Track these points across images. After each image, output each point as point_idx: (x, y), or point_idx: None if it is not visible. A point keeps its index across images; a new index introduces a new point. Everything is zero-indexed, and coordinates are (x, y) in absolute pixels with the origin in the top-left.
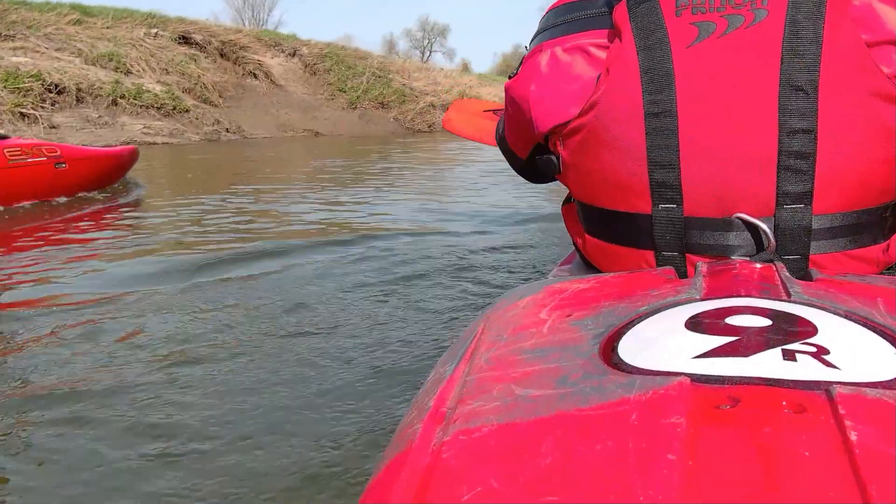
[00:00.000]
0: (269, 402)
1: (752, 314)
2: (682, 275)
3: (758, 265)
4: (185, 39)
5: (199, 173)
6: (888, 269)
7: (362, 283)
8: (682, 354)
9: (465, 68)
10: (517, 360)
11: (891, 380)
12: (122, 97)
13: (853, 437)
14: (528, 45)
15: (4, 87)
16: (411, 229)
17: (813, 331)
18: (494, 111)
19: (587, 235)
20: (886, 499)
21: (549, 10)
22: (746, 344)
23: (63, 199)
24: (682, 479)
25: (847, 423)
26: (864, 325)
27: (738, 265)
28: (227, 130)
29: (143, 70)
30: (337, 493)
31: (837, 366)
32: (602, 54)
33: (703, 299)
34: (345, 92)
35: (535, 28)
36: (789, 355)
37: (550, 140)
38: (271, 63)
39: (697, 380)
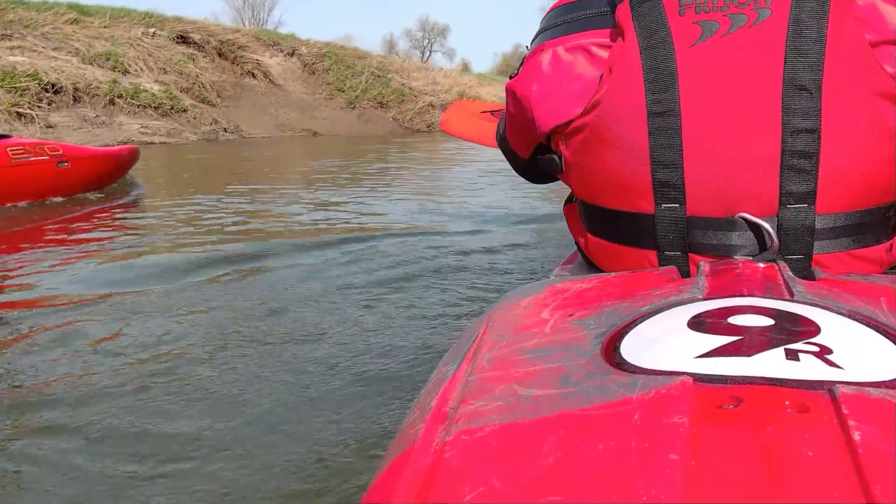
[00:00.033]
0: (268, 403)
1: (755, 314)
2: (685, 274)
3: (761, 265)
4: (183, 39)
5: (195, 173)
6: (891, 268)
7: (360, 283)
8: (685, 354)
9: (465, 68)
10: (519, 360)
11: (894, 379)
12: (120, 97)
13: (856, 436)
14: (529, 45)
15: (1, 86)
16: (409, 229)
17: (816, 330)
18: (492, 112)
19: (589, 235)
20: (890, 498)
21: (551, 10)
22: (749, 343)
23: (59, 199)
24: (685, 479)
25: (850, 422)
26: (867, 324)
27: (740, 265)
28: (225, 130)
29: (141, 69)
30: (338, 492)
31: (840, 365)
32: (604, 54)
33: (705, 299)
34: (343, 92)
35: (535, 28)
36: (792, 355)
37: (553, 139)
38: (270, 63)
39: (700, 379)
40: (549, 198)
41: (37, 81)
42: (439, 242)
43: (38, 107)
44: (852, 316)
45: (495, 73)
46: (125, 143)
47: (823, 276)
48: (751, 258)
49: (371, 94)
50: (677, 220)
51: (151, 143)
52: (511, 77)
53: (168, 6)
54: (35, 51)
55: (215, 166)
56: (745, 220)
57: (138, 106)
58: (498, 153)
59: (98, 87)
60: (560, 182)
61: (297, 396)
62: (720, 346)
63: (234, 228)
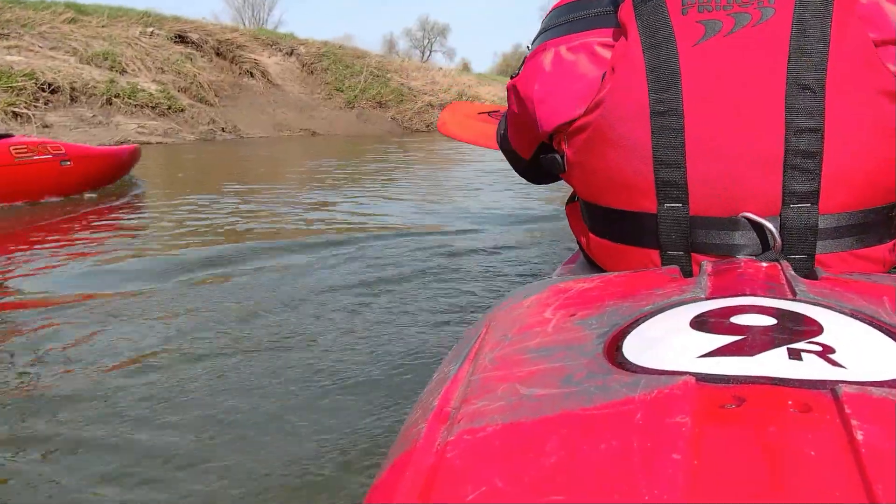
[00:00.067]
0: (266, 404)
1: (758, 313)
2: (687, 274)
3: (763, 264)
4: (180, 38)
5: (191, 173)
6: (894, 268)
7: (356, 284)
8: (687, 354)
9: (465, 68)
10: (522, 360)
11: None
12: (117, 96)
13: (859, 436)
14: (530, 45)
15: None
16: (407, 229)
17: (818, 330)
18: (489, 113)
19: (591, 234)
20: (892, 498)
21: (553, 10)
22: (752, 343)
23: (55, 199)
24: (687, 479)
25: (853, 422)
26: (870, 323)
27: (743, 264)
28: (223, 130)
29: (139, 69)
30: (338, 493)
31: (843, 365)
32: (607, 53)
33: (707, 298)
34: (342, 91)
35: (536, 28)
36: (795, 354)
37: (555, 139)
38: (268, 62)
39: (702, 379)
40: (549, 198)
41: (33, 81)
42: (438, 242)
43: (35, 106)
44: (855, 315)
45: (495, 72)
46: (122, 142)
47: (826, 276)
48: (753, 258)
49: (370, 94)
50: (680, 219)
51: (148, 143)
52: (512, 77)
53: (167, 5)
54: (32, 50)
55: (212, 166)
56: (748, 219)
57: (135, 105)
58: (496, 153)
59: (95, 87)
60: (559, 182)
61: (316, 389)
62: (722, 346)
63: (227, 229)
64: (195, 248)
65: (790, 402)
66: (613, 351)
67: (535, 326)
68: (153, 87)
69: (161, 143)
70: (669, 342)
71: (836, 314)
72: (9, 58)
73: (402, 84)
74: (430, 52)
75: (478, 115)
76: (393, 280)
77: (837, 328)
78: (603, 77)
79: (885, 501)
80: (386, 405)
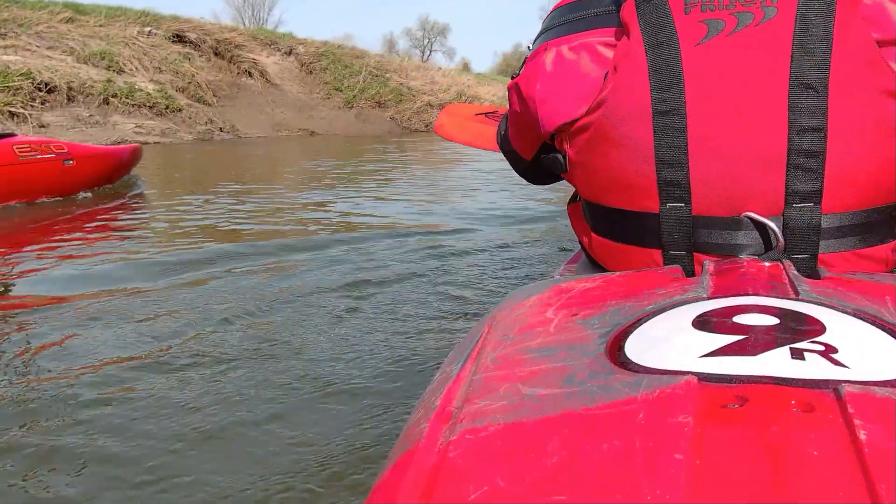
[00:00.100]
0: (250, 411)
1: (760, 313)
2: (690, 274)
3: (766, 264)
4: (179, 38)
5: (188, 173)
6: None
7: (350, 284)
8: (690, 353)
9: (465, 68)
10: (524, 360)
11: None
12: (114, 96)
13: (862, 436)
14: (531, 45)
15: None
16: (405, 229)
17: (821, 329)
18: (486, 114)
19: (593, 234)
20: (895, 498)
21: (554, 9)
22: (754, 343)
23: (52, 199)
24: (690, 479)
25: (856, 421)
26: (873, 323)
27: (745, 264)
28: (221, 130)
29: (136, 69)
30: (340, 493)
31: (846, 364)
32: (609, 53)
33: (710, 298)
34: (341, 91)
35: (536, 28)
36: (797, 354)
37: (557, 139)
38: (267, 62)
39: (705, 379)
40: (547, 198)
41: (30, 81)
42: (436, 243)
43: (32, 106)
44: (858, 315)
45: (495, 72)
46: (119, 142)
47: (829, 275)
48: (756, 257)
49: (369, 94)
50: (682, 219)
51: (146, 143)
52: (513, 77)
53: (166, 5)
54: (29, 50)
55: (209, 166)
56: (751, 219)
57: (133, 105)
58: (494, 154)
59: (92, 87)
60: (559, 183)
61: (317, 389)
62: (725, 346)
63: (221, 230)
64: (187, 249)
65: (793, 402)
66: (615, 351)
67: (537, 326)
68: (151, 87)
69: (158, 142)
70: (672, 342)
71: (839, 314)
72: (5, 57)
73: (401, 84)
74: (430, 51)
75: (475, 116)
76: (390, 281)
77: (840, 328)
78: (605, 77)
79: (887, 501)
80: (377, 412)
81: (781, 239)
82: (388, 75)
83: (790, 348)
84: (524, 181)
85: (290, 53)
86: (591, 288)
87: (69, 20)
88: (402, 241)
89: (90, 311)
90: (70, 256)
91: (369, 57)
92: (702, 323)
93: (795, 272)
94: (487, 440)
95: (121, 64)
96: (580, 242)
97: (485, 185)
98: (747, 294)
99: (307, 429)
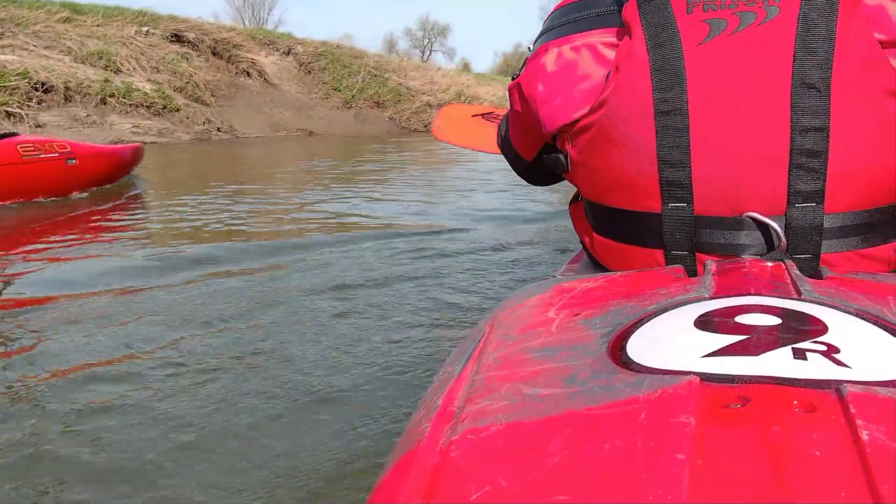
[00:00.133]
0: (252, 411)
1: (762, 312)
2: (692, 274)
3: (768, 264)
4: (177, 38)
5: (184, 173)
6: None
7: (344, 284)
8: (692, 353)
9: (465, 68)
10: (525, 359)
11: None
12: (112, 96)
13: (864, 436)
14: (531, 46)
15: None
16: (400, 230)
17: (823, 329)
18: (483, 115)
19: (595, 234)
20: None
21: (555, 10)
22: (756, 342)
23: (44, 199)
24: (692, 479)
25: (858, 422)
26: (875, 323)
27: (747, 263)
28: (219, 130)
29: (134, 68)
30: (341, 493)
31: (848, 364)
32: (610, 52)
33: (712, 298)
34: (340, 91)
35: (536, 28)
36: (799, 354)
37: (558, 139)
38: (265, 62)
39: (707, 379)
40: (545, 200)
41: (27, 80)
42: (431, 244)
43: (28, 105)
44: (860, 315)
45: (496, 72)
46: (116, 142)
47: (831, 275)
48: (758, 257)
49: (367, 94)
50: (685, 219)
51: (143, 143)
52: (513, 78)
53: (166, 5)
54: (26, 49)
55: (205, 166)
56: (753, 219)
57: (130, 105)
58: (493, 154)
59: (89, 87)
60: (558, 184)
61: (317, 388)
62: (727, 346)
63: (215, 230)
64: (179, 250)
65: (795, 402)
66: (617, 350)
67: (538, 326)
68: (148, 87)
69: (155, 142)
70: (673, 342)
71: (841, 314)
72: (2, 57)
73: (400, 84)
74: (431, 51)
75: (472, 118)
76: (383, 283)
77: (842, 328)
78: (607, 77)
79: (889, 502)
80: (367, 421)
81: (784, 239)
82: (386, 75)
83: (792, 348)
84: (522, 182)
85: (288, 53)
86: (592, 288)
87: (66, 20)
88: (397, 242)
89: (72, 312)
90: (58, 258)
91: (368, 57)
92: (704, 323)
93: (798, 272)
94: (489, 440)
95: (118, 64)
96: (582, 242)
97: (482, 186)
98: (749, 294)
99: (294, 438)
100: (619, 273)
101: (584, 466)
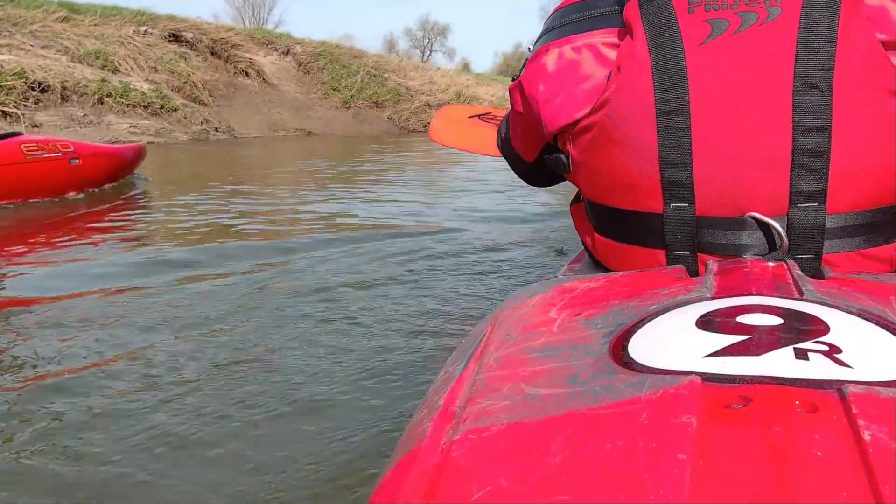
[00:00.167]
0: (253, 411)
1: (764, 312)
2: (693, 274)
3: (770, 264)
4: (175, 37)
5: (178, 173)
6: None
7: (348, 283)
8: (693, 353)
9: (465, 68)
10: (527, 359)
11: None
12: (109, 95)
13: (866, 436)
14: (531, 47)
15: None
16: (398, 230)
17: (825, 329)
18: (480, 116)
19: (596, 234)
20: None
21: (556, 10)
22: (758, 343)
23: (40, 199)
24: (693, 479)
25: (860, 422)
26: (877, 323)
27: (749, 263)
28: (217, 130)
29: (131, 68)
30: (342, 493)
31: (850, 364)
32: (611, 53)
33: (713, 298)
34: (338, 91)
35: (536, 28)
36: (801, 354)
37: (560, 139)
38: (264, 62)
39: (708, 379)
40: (543, 201)
41: (23, 80)
42: (427, 244)
43: (24, 105)
44: (862, 315)
45: (496, 72)
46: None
47: (833, 275)
48: (760, 257)
49: (366, 94)
50: (686, 219)
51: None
52: (513, 79)
53: (165, 5)
54: (23, 49)
55: (202, 166)
56: (755, 219)
57: (127, 105)
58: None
59: (86, 86)
60: (557, 184)
61: (317, 389)
62: (728, 346)
63: (208, 231)
64: (169, 250)
65: (797, 402)
66: (619, 350)
67: (540, 326)
68: (146, 87)
69: (153, 142)
70: (675, 342)
71: (843, 314)
72: None
73: (399, 84)
74: (431, 52)
75: (469, 119)
76: (376, 285)
77: (844, 328)
78: (608, 77)
79: (891, 502)
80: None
81: (786, 239)
82: (386, 75)
83: (794, 348)
84: (520, 182)
85: (287, 53)
86: (594, 288)
87: (64, 19)
88: (393, 243)
89: (54, 315)
90: (45, 260)
91: (367, 57)
92: (705, 323)
93: (799, 272)
94: (490, 440)
95: (116, 63)
96: (583, 243)
97: (479, 186)
98: (751, 294)
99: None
100: (621, 273)
101: (586, 466)
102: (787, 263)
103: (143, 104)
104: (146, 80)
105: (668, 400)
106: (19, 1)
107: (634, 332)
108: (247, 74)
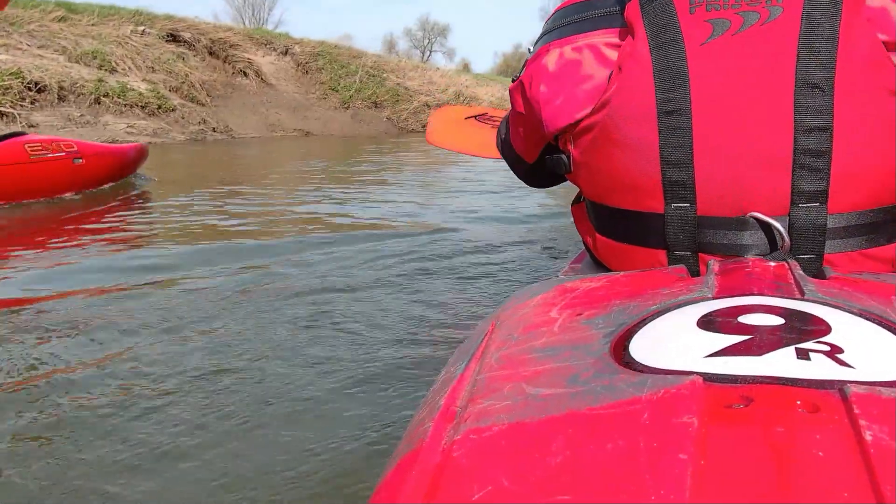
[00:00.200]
0: (266, 406)
1: (765, 312)
2: (695, 274)
3: (771, 264)
4: (173, 37)
5: (175, 173)
6: None
7: (339, 284)
8: (694, 353)
9: (465, 68)
10: (528, 359)
11: None
12: (106, 95)
13: (868, 436)
14: (531, 48)
15: None
16: (394, 229)
17: (826, 329)
18: (477, 117)
19: (598, 235)
20: None
21: (557, 11)
22: (759, 343)
23: (35, 200)
24: (694, 479)
25: (861, 422)
26: (879, 323)
27: (750, 263)
28: (214, 130)
29: (129, 68)
30: (343, 493)
31: (852, 365)
32: (612, 53)
33: (715, 298)
34: (337, 91)
35: (536, 28)
36: (803, 354)
37: (561, 139)
38: (262, 62)
39: (710, 379)
40: (542, 201)
41: (20, 80)
42: (426, 244)
43: (21, 105)
44: (864, 315)
45: (496, 73)
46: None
47: (834, 275)
48: (761, 257)
49: (365, 94)
50: (688, 219)
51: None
52: (513, 80)
53: (164, 5)
54: (20, 48)
55: (198, 166)
56: (757, 219)
57: (125, 105)
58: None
59: (83, 86)
60: (556, 186)
61: (317, 389)
62: (730, 346)
63: (200, 232)
64: (161, 251)
65: (798, 402)
66: (620, 350)
67: (541, 326)
68: (143, 87)
69: (150, 143)
70: (676, 342)
71: (845, 314)
72: None
73: (398, 84)
74: (430, 52)
75: (465, 120)
76: (371, 286)
77: (846, 328)
78: (609, 77)
79: (893, 502)
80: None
81: (787, 239)
82: (385, 75)
83: (795, 348)
84: (518, 183)
85: (285, 53)
86: (595, 288)
87: (61, 19)
88: (389, 244)
89: (37, 316)
90: (33, 261)
91: (366, 57)
92: (707, 323)
93: (801, 272)
94: (491, 440)
95: (113, 63)
96: (584, 243)
97: (475, 187)
98: (752, 294)
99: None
100: (622, 273)
101: (587, 466)
102: (788, 263)
103: (140, 104)
104: (143, 80)
105: (669, 400)
106: (16, 1)
107: (635, 332)
108: (245, 74)
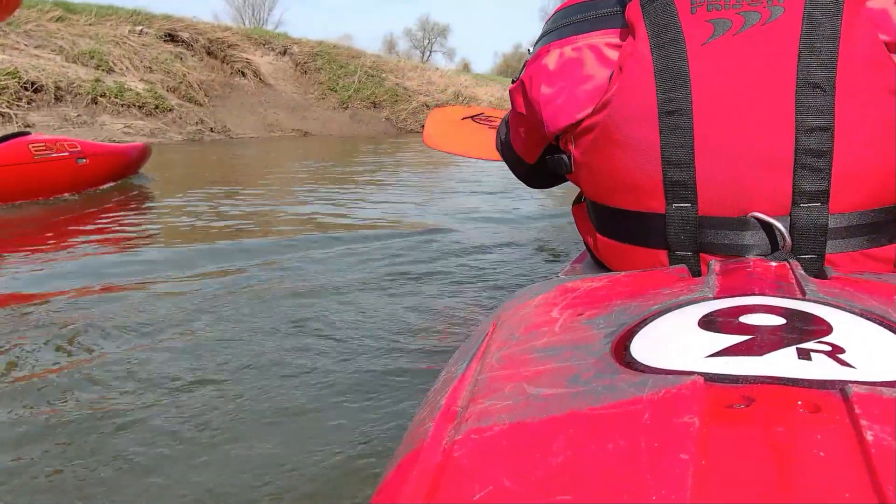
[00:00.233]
0: (267, 406)
1: (766, 313)
2: (696, 274)
3: (772, 264)
4: (171, 37)
5: (173, 173)
6: None
7: (348, 282)
8: (695, 353)
9: (465, 68)
10: (529, 359)
11: None
12: (103, 95)
13: (869, 436)
14: (531, 48)
15: None
16: (390, 229)
17: (828, 329)
18: (473, 117)
19: (598, 235)
20: None
21: (557, 11)
22: (760, 343)
23: (27, 200)
24: (695, 479)
25: (863, 422)
26: (880, 323)
27: (752, 263)
28: (212, 130)
29: (126, 68)
30: (344, 493)
31: (853, 365)
32: (613, 53)
33: (716, 298)
34: (336, 91)
35: (536, 28)
36: (804, 354)
37: (561, 139)
38: (260, 62)
39: (711, 379)
40: (540, 201)
41: (16, 80)
42: (422, 244)
43: (17, 105)
44: (865, 315)
45: (495, 73)
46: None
47: (836, 275)
48: (763, 257)
49: (364, 94)
50: (689, 219)
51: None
52: (513, 81)
53: (165, 5)
54: (17, 48)
55: (197, 167)
56: (758, 219)
57: (122, 105)
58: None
59: (80, 86)
60: (555, 186)
61: (317, 389)
62: (731, 346)
63: (195, 232)
64: (154, 251)
65: (799, 403)
66: (621, 350)
67: (542, 326)
68: (140, 87)
69: (147, 143)
70: (677, 342)
71: (846, 314)
72: None
73: (397, 84)
74: (430, 52)
75: (461, 120)
76: (366, 287)
77: (847, 328)
78: (610, 77)
79: (894, 502)
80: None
81: (788, 239)
82: (384, 75)
83: (797, 348)
84: (515, 183)
85: (284, 53)
86: (596, 288)
87: (59, 19)
88: (382, 245)
89: (27, 316)
90: (23, 261)
91: (365, 57)
92: (708, 323)
93: (802, 272)
94: (492, 440)
95: (110, 63)
96: (585, 243)
97: (475, 187)
98: (753, 294)
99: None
100: (623, 273)
101: (588, 466)
102: (789, 263)
103: (137, 104)
104: (141, 80)
105: (670, 400)
106: None
107: (637, 332)
108: (243, 74)
